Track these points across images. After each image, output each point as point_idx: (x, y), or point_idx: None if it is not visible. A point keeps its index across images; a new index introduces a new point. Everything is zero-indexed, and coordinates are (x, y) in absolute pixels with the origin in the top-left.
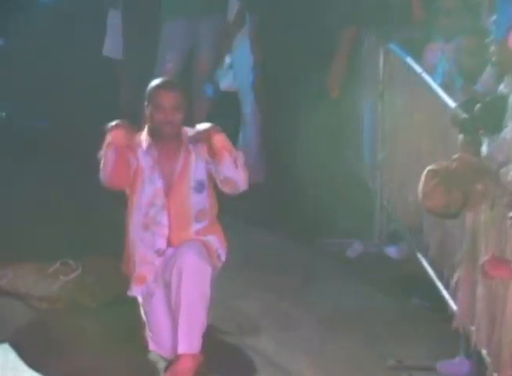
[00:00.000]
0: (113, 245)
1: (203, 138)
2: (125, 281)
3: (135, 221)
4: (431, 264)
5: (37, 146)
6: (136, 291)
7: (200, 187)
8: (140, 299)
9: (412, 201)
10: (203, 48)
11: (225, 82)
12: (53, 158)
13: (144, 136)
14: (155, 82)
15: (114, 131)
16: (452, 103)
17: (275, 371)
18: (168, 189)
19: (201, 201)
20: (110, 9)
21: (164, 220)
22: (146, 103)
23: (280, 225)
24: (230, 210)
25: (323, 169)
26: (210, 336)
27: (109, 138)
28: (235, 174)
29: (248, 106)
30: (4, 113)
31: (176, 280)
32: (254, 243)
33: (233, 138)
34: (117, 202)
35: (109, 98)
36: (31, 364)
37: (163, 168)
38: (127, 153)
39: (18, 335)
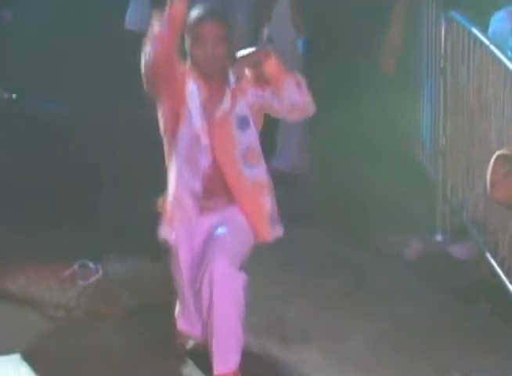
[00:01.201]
0: (135, 244)
1: (253, 63)
2: (153, 285)
3: (176, 160)
4: (502, 264)
5: (51, 134)
6: (163, 233)
7: (243, 124)
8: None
9: (481, 192)
10: (239, 17)
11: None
12: (68, 149)
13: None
14: (193, 11)
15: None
16: None
17: None
18: (211, 129)
19: (246, 140)
20: None
21: (205, 161)
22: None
23: (328, 220)
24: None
25: (378, 157)
26: (250, 348)
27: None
28: (301, 96)
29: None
30: (15, 95)
31: (207, 292)
32: (300, 242)
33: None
34: (140, 197)
35: (132, 79)
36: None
37: (206, 106)
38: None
39: (31, 347)
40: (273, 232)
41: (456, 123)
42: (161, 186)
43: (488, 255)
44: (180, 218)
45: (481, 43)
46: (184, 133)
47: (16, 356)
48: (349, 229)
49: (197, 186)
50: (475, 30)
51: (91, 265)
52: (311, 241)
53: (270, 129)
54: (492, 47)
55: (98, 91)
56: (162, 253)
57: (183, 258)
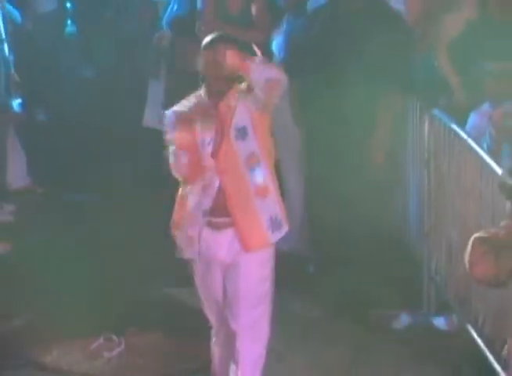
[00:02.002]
0: (154, 319)
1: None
2: (172, 357)
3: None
4: (482, 336)
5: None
6: (187, 254)
7: (241, 134)
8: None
9: (462, 271)
10: None
11: None
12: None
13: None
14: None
15: (177, 134)
16: (499, 170)
17: None
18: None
19: (247, 147)
20: (152, 79)
21: (217, 181)
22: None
23: (325, 297)
24: (275, 281)
25: (369, 239)
26: None
27: (174, 138)
28: (270, 72)
29: (291, 181)
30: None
31: (234, 340)
32: (300, 316)
33: None
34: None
35: (149, 169)
36: None
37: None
38: (197, 152)
39: None
40: (273, 236)
41: (438, 209)
42: None
43: (469, 327)
44: (195, 234)
45: (460, 137)
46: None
47: None
48: (345, 305)
49: (206, 203)
50: (455, 126)
51: (114, 338)
52: (311, 317)
53: None
54: (470, 141)
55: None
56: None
57: (202, 271)
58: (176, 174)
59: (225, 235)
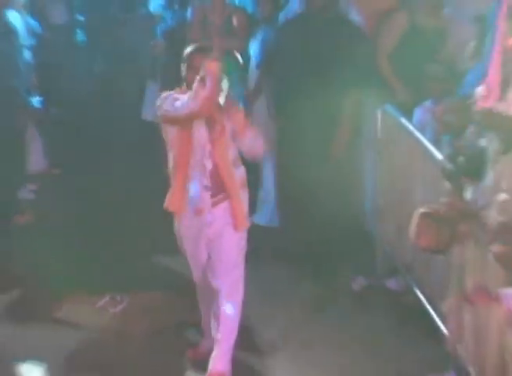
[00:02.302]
0: (153, 281)
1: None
2: (169, 313)
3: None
4: (425, 295)
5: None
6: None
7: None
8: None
9: (408, 242)
10: None
11: None
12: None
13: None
14: (188, 48)
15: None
16: (440, 156)
17: None
18: (212, 140)
19: (235, 149)
20: (149, 80)
21: (209, 163)
22: (182, 66)
23: (294, 262)
24: (252, 249)
25: (331, 216)
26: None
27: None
28: (256, 144)
29: (268, 168)
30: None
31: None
32: (273, 277)
33: (254, 191)
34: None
35: (147, 153)
36: None
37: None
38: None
39: (70, 361)
40: (249, 221)
41: (389, 190)
42: None
43: (414, 287)
44: (199, 209)
45: (407, 130)
46: (194, 146)
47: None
48: (311, 269)
49: (206, 182)
50: (403, 120)
51: (118, 296)
52: (282, 278)
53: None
54: (416, 132)
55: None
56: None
57: (196, 244)
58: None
59: (217, 210)
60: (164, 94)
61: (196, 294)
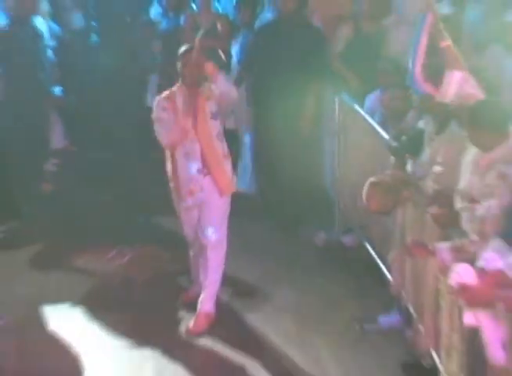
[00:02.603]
0: (153, 237)
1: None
2: (166, 263)
3: (179, 153)
4: (374, 249)
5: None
6: (188, 202)
7: (214, 116)
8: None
9: (360, 204)
10: None
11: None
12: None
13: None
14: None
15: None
16: (386, 136)
17: (264, 318)
18: (195, 124)
19: (217, 125)
20: (151, 74)
21: (197, 148)
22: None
23: (268, 221)
24: (233, 211)
25: (300, 183)
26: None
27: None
28: (230, 87)
29: (246, 144)
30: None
31: (205, 255)
32: (250, 234)
33: (235, 160)
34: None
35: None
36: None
37: (190, 109)
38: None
39: (88, 300)
40: (233, 186)
41: (345, 163)
42: None
43: (366, 244)
44: (195, 187)
45: (360, 114)
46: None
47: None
48: (281, 226)
49: (199, 165)
50: (356, 106)
51: (124, 250)
52: (258, 234)
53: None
54: (367, 116)
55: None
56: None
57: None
58: (161, 141)
59: (205, 180)
60: (156, 99)
61: (187, 247)
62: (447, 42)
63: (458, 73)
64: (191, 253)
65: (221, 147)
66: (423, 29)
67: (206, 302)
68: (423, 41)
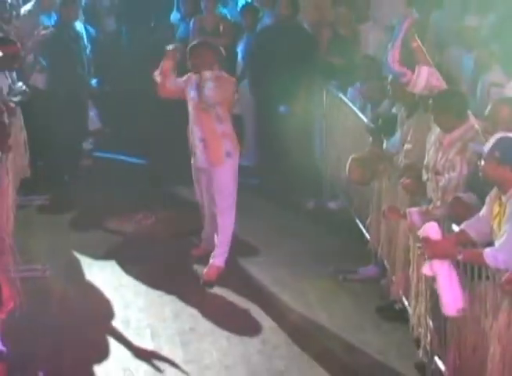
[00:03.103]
0: (171, 203)
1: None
2: (181, 225)
3: (190, 117)
4: (356, 213)
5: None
6: (192, 160)
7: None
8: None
9: (344, 176)
10: None
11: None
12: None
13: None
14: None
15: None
16: (365, 119)
17: (263, 270)
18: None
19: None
20: None
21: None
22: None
23: (266, 190)
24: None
25: (293, 156)
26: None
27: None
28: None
29: (249, 127)
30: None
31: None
32: (251, 201)
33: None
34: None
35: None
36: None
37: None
38: (170, 76)
39: (117, 255)
40: (226, 159)
41: (331, 142)
42: None
43: (350, 209)
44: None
45: (344, 101)
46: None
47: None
48: (279, 195)
49: (200, 135)
50: (341, 95)
51: (149, 214)
52: (259, 202)
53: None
54: (349, 103)
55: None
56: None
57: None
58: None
59: None
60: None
61: (200, 211)
62: (417, 42)
63: (425, 68)
64: (202, 216)
65: (219, 128)
66: (401, 30)
67: (217, 257)
68: (399, 38)
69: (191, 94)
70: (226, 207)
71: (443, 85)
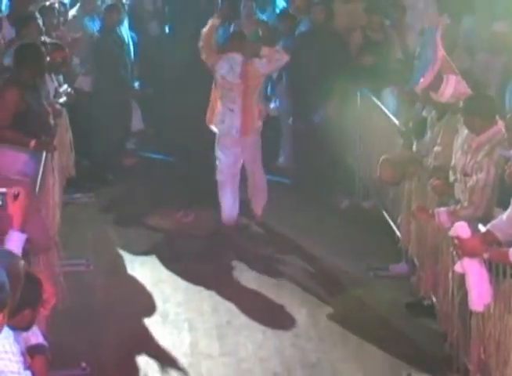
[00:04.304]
0: (213, 203)
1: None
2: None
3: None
4: (387, 211)
5: None
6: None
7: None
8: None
9: (376, 176)
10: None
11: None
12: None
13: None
14: None
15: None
16: (397, 122)
17: (298, 266)
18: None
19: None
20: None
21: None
22: None
23: (303, 190)
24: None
25: (329, 157)
26: None
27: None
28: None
29: (286, 129)
30: None
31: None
32: (288, 200)
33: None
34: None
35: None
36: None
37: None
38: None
39: (158, 250)
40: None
41: (365, 144)
42: None
43: (381, 207)
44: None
45: (377, 104)
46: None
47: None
48: (315, 193)
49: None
50: (374, 99)
51: (189, 212)
52: (296, 199)
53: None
54: (382, 107)
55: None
56: None
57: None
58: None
59: None
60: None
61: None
62: (442, 51)
63: (453, 76)
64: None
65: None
66: (436, 44)
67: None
68: (436, 68)
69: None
70: (259, 167)
71: (470, 92)
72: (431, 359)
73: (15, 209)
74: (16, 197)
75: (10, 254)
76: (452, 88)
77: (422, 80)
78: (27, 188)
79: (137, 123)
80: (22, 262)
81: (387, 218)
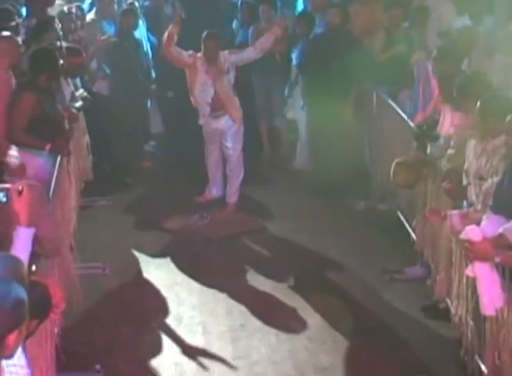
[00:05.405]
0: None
1: None
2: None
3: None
4: (403, 214)
5: None
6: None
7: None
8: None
9: (391, 179)
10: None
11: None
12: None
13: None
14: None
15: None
16: (412, 125)
17: (312, 267)
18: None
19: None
20: None
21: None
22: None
23: (319, 192)
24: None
25: (345, 160)
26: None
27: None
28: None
29: (303, 132)
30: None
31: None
32: (303, 202)
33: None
34: None
35: None
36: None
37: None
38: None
39: (171, 250)
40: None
41: (380, 146)
42: None
43: (397, 210)
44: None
45: (392, 107)
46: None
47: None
48: (330, 196)
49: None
50: (390, 101)
51: (205, 215)
52: (309, 202)
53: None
54: (398, 109)
55: None
56: None
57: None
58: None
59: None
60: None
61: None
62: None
63: (447, 108)
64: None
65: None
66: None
67: (233, 195)
68: (431, 106)
69: None
70: (237, 156)
71: (466, 122)
72: (446, 363)
73: (20, 205)
74: (20, 192)
75: (14, 260)
76: (448, 121)
77: (419, 115)
78: (38, 190)
79: (157, 126)
80: (25, 269)
81: (403, 220)
